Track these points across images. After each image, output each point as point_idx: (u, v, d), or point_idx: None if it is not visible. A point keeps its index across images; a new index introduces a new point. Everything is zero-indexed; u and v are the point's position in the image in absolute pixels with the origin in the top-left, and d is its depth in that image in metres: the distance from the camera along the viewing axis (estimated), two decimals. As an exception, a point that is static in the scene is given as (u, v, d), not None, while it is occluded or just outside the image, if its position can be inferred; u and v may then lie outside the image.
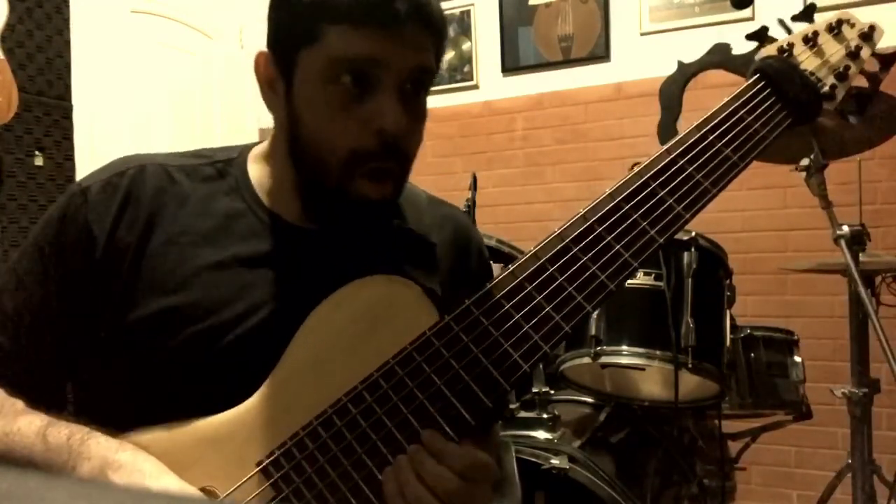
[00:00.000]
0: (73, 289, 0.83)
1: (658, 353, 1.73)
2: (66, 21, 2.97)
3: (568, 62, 3.38)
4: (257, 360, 0.79)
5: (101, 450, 0.73)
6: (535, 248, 0.81)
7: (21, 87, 2.73)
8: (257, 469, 0.75)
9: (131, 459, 0.72)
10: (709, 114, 0.89)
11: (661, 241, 0.81)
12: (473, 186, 2.00)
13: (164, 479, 0.71)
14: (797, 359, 2.12)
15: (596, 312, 1.76)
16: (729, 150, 0.87)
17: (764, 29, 0.99)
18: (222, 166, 0.91)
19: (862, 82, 0.99)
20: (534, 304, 0.78)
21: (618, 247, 0.81)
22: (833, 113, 0.97)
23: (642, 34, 3.24)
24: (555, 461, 1.52)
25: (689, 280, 1.76)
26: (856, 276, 1.52)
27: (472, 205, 1.94)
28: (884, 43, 0.98)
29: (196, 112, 3.53)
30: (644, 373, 1.85)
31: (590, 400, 2.00)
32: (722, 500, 2.03)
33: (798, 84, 0.92)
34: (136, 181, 0.86)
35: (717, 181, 0.85)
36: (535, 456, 1.54)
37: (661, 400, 1.93)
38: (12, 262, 0.87)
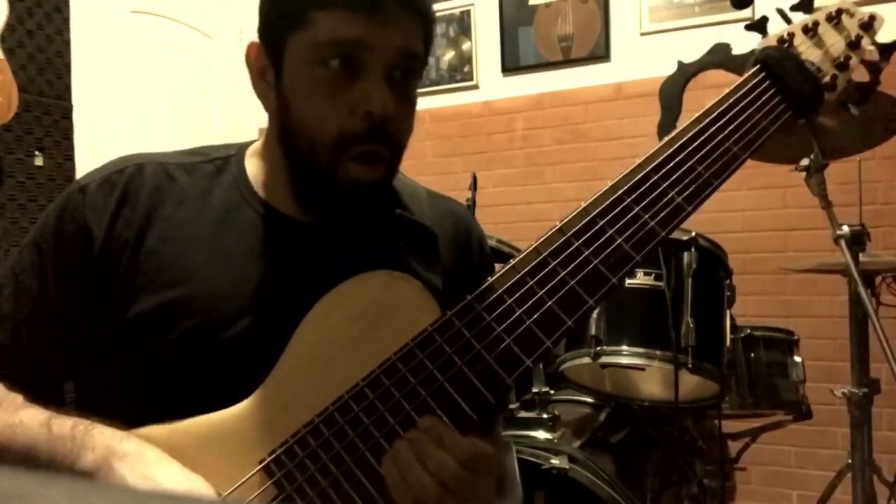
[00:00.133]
0: (72, 286, 0.84)
1: (658, 353, 1.73)
2: (66, 21, 2.97)
3: (568, 62, 3.38)
4: (257, 354, 0.79)
5: (106, 439, 0.73)
6: (536, 242, 0.81)
7: (21, 87, 2.73)
8: (259, 467, 0.75)
9: (136, 448, 0.72)
10: (709, 105, 0.88)
11: (664, 233, 0.81)
12: (473, 186, 2.00)
13: (168, 468, 0.71)
14: (797, 359, 2.12)
15: (596, 312, 1.76)
16: (730, 141, 0.86)
17: (764, 19, 0.98)
18: (220, 163, 0.91)
19: (863, 74, 0.98)
20: (536, 299, 0.78)
21: (620, 240, 0.80)
22: (834, 105, 0.96)
23: (642, 34, 3.24)
24: (555, 461, 1.52)
25: (689, 280, 1.76)
26: (856, 276, 1.52)
27: (472, 205, 1.94)
28: (884, 40, 0.98)
29: (196, 112, 3.54)
30: (644, 373, 1.85)
31: (590, 400, 2.00)
32: (722, 500, 2.03)
33: (799, 74, 0.92)
34: (134, 179, 0.86)
35: (719, 173, 0.84)
36: (535, 456, 1.54)
37: (661, 400, 1.93)
38: (11, 260, 0.88)
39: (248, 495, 0.75)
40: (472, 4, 3.57)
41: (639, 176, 0.83)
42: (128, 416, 0.77)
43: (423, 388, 0.76)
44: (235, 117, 3.54)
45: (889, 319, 1.77)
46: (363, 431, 0.75)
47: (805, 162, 1.59)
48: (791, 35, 0.96)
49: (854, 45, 0.95)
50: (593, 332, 1.76)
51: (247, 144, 0.94)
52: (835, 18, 0.96)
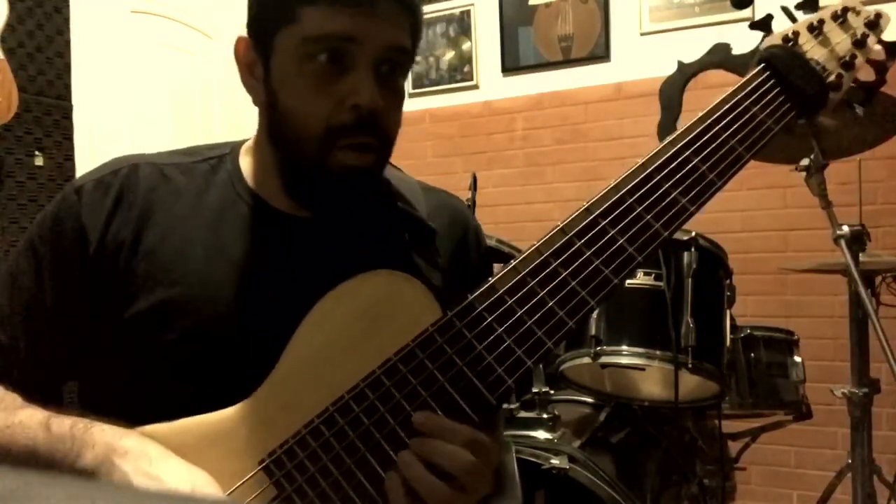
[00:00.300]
0: (68, 286, 0.84)
1: (658, 353, 1.73)
2: (66, 21, 2.97)
3: (568, 62, 3.38)
4: (256, 353, 0.79)
5: (106, 436, 0.73)
6: (537, 242, 0.80)
7: (21, 87, 2.73)
8: (259, 468, 0.75)
9: (136, 445, 0.72)
10: (713, 104, 0.87)
11: (666, 234, 0.80)
12: (473, 186, 2.00)
13: (171, 464, 0.71)
14: (797, 359, 2.12)
15: (596, 312, 1.76)
16: (735, 140, 0.85)
17: (769, 17, 0.98)
18: (215, 162, 0.92)
19: (868, 73, 0.97)
20: (537, 300, 0.78)
21: (622, 240, 0.80)
22: (837, 105, 0.95)
23: (642, 34, 3.24)
24: (555, 461, 1.52)
25: (689, 280, 1.76)
26: (856, 276, 1.52)
27: (472, 205, 1.95)
28: (891, 39, 0.97)
29: (196, 112, 3.54)
30: (644, 373, 1.85)
31: (590, 400, 2.00)
32: (722, 500, 2.03)
33: (804, 74, 0.90)
34: (130, 179, 0.87)
35: (723, 173, 0.83)
36: (535, 456, 1.54)
37: (661, 400, 1.93)
38: (8, 262, 0.88)
39: (248, 495, 0.74)
40: (472, 4, 3.57)
41: (641, 176, 0.82)
42: (128, 416, 0.77)
43: (424, 388, 0.76)
44: (235, 117, 3.54)
45: (889, 319, 1.77)
46: (363, 432, 0.75)
47: (805, 162, 1.59)
48: (796, 34, 0.94)
49: (860, 43, 0.94)
50: (593, 332, 1.76)
51: (241, 143, 0.95)
52: (840, 17, 0.95)
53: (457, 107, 3.61)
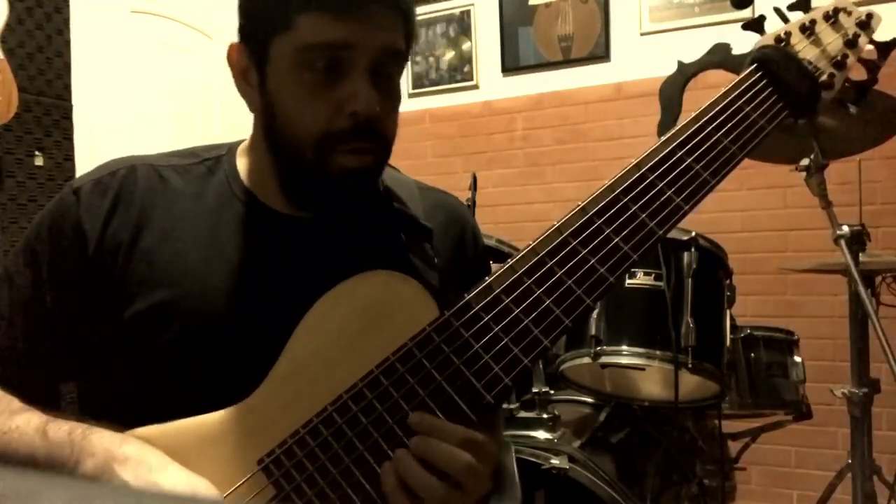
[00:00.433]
0: (66, 287, 0.84)
1: (658, 353, 1.73)
2: (66, 21, 2.97)
3: (568, 62, 3.38)
4: (254, 352, 0.79)
5: (105, 443, 0.73)
6: (533, 242, 0.81)
7: (21, 87, 2.73)
8: (259, 468, 0.75)
9: (136, 452, 0.72)
10: (707, 104, 0.88)
11: (661, 232, 0.81)
12: (473, 186, 2.00)
13: (170, 471, 0.71)
14: (797, 359, 2.12)
15: (596, 312, 1.76)
16: (728, 140, 0.86)
17: (761, 18, 0.98)
18: (212, 163, 0.92)
19: (861, 73, 0.98)
20: (534, 298, 0.78)
21: (617, 239, 0.80)
22: (832, 103, 0.96)
23: (642, 34, 3.24)
24: (555, 461, 1.52)
25: (689, 280, 1.76)
26: (856, 276, 1.52)
27: (472, 205, 1.95)
28: (882, 39, 0.98)
29: (196, 112, 3.53)
30: (644, 373, 1.85)
31: (590, 400, 2.00)
32: (722, 500, 2.03)
33: (796, 73, 0.91)
34: (127, 181, 0.87)
35: (717, 172, 0.84)
36: (535, 456, 1.54)
37: (661, 400, 1.93)
38: (6, 262, 0.88)
39: (247, 495, 0.75)
40: (472, 4, 3.57)
41: (636, 175, 0.83)
42: (127, 416, 0.77)
43: (422, 387, 0.76)
44: (235, 117, 3.53)
45: (889, 319, 1.77)
46: (362, 432, 0.75)
47: (805, 162, 1.59)
48: (788, 34, 0.95)
49: (851, 43, 0.95)
50: (593, 332, 1.76)
51: (237, 143, 0.95)
52: (832, 17, 0.96)
53: (457, 107, 3.61)
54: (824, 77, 0.93)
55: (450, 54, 3.64)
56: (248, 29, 0.85)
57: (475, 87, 3.59)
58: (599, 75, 3.32)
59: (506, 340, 0.77)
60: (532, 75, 3.46)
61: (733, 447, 2.33)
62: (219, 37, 3.61)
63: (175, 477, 0.71)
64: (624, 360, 1.78)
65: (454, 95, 3.62)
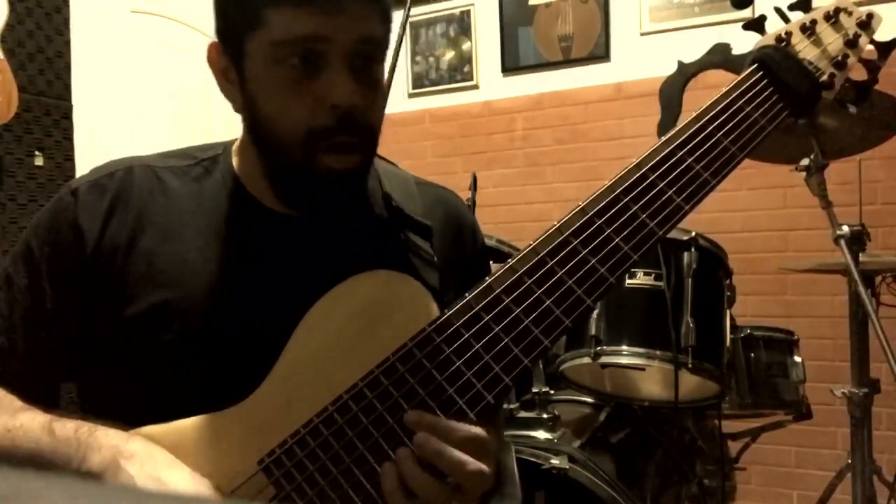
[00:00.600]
0: (65, 287, 0.84)
1: (658, 353, 1.73)
2: (66, 21, 2.97)
3: (568, 62, 3.38)
4: (254, 352, 0.79)
5: (111, 440, 0.73)
6: (534, 242, 0.81)
7: (21, 87, 2.73)
8: (260, 468, 0.75)
9: (143, 449, 0.72)
10: (707, 104, 0.88)
11: (661, 233, 0.81)
12: (473, 186, 2.00)
13: (176, 470, 0.71)
14: (797, 359, 2.12)
15: (596, 312, 1.76)
16: (728, 140, 0.86)
17: (762, 18, 0.98)
18: (208, 164, 0.91)
19: (861, 73, 0.98)
20: (534, 299, 0.78)
21: (617, 239, 0.80)
22: (832, 103, 0.96)
23: (642, 34, 3.24)
24: (555, 461, 1.52)
25: (689, 280, 1.76)
26: (856, 276, 1.52)
27: (472, 205, 1.94)
28: (883, 39, 0.98)
29: (196, 112, 3.53)
30: (644, 373, 1.85)
31: (590, 400, 2.00)
32: (722, 500, 2.02)
33: (796, 73, 0.91)
34: (125, 182, 0.87)
35: (717, 172, 0.84)
36: (535, 456, 1.54)
37: (661, 400, 1.93)
38: (5, 263, 0.88)
39: (248, 495, 0.75)
40: (472, 4, 3.57)
41: (636, 175, 0.83)
42: (128, 416, 0.77)
43: (422, 387, 0.76)
44: (235, 117, 3.53)
45: (889, 319, 1.77)
46: (362, 431, 0.75)
47: (805, 162, 1.59)
48: (789, 34, 0.95)
49: (852, 43, 0.95)
50: (593, 332, 1.76)
51: (232, 142, 0.94)
52: (833, 17, 0.96)
53: (457, 107, 3.61)
54: (825, 77, 0.93)
55: (450, 54, 3.64)
56: (224, 27, 0.84)
57: (475, 87, 3.59)
58: (599, 75, 3.32)
59: (506, 340, 0.77)
60: (532, 75, 3.46)
61: (733, 447, 2.33)
62: (219, 37, 3.61)
63: (180, 477, 0.71)
64: (624, 360, 1.78)
65: (454, 95, 3.62)
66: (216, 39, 0.86)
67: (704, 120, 0.87)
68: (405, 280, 0.81)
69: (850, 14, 0.96)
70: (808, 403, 2.13)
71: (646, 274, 1.77)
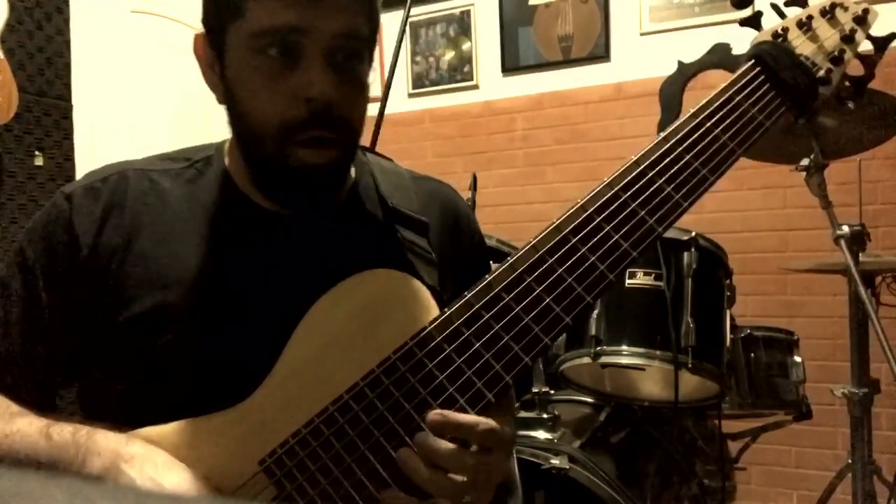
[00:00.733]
0: (61, 291, 0.84)
1: (658, 353, 1.73)
2: (66, 21, 2.97)
3: (568, 62, 3.38)
4: (253, 352, 0.79)
5: (111, 443, 0.73)
6: (533, 239, 0.81)
7: (21, 87, 2.73)
8: (261, 468, 0.75)
9: (143, 451, 0.72)
10: (705, 101, 0.88)
11: (660, 230, 0.81)
12: (473, 186, 2.00)
13: (176, 473, 0.71)
14: (797, 359, 2.12)
15: (596, 312, 1.76)
16: (726, 136, 0.86)
17: (758, 14, 0.98)
18: (201, 165, 0.91)
19: (858, 68, 0.98)
20: (533, 296, 0.78)
21: (616, 237, 0.80)
22: (830, 100, 0.96)
23: (642, 34, 3.24)
24: (555, 461, 1.52)
25: (689, 280, 1.76)
26: (856, 276, 1.52)
27: (472, 205, 1.94)
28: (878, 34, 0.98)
29: (196, 112, 3.53)
30: (644, 373, 1.85)
31: (590, 400, 2.00)
32: (722, 500, 2.02)
33: (793, 69, 0.91)
34: (119, 186, 0.87)
35: (716, 169, 0.84)
36: (535, 456, 1.54)
37: (661, 400, 1.93)
38: (0, 268, 0.88)
39: (249, 496, 0.75)
40: (472, 4, 3.57)
41: (635, 172, 0.83)
42: (127, 418, 0.77)
43: (423, 386, 0.76)
44: (235, 117, 3.53)
45: (889, 319, 1.77)
46: (363, 430, 0.75)
47: (805, 162, 1.59)
48: (785, 30, 0.95)
49: (848, 38, 0.95)
50: (593, 331, 1.76)
51: (225, 141, 0.94)
52: (829, 13, 0.96)
53: (457, 107, 3.61)
54: (822, 72, 0.93)
55: (450, 54, 3.64)
56: (207, 18, 0.84)
57: (475, 87, 3.59)
58: (599, 75, 3.32)
59: (506, 338, 0.77)
60: (532, 75, 3.46)
61: (733, 447, 2.33)
62: (219, 37, 3.61)
63: (180, 477, 0.71)
64: (624, 360, 1.78)
65: (454, 95, 3.62)
66: (202, 31, 0.85)
67: (702, 117, 0.87)
68: (405, 279, 0.81)
69: (846, 9, 0.96)
70: (808, 403, 2.13)
71: (646, 274, 1.77)
